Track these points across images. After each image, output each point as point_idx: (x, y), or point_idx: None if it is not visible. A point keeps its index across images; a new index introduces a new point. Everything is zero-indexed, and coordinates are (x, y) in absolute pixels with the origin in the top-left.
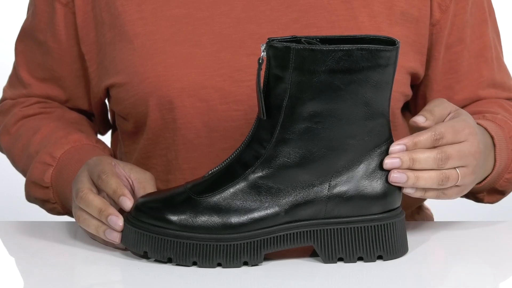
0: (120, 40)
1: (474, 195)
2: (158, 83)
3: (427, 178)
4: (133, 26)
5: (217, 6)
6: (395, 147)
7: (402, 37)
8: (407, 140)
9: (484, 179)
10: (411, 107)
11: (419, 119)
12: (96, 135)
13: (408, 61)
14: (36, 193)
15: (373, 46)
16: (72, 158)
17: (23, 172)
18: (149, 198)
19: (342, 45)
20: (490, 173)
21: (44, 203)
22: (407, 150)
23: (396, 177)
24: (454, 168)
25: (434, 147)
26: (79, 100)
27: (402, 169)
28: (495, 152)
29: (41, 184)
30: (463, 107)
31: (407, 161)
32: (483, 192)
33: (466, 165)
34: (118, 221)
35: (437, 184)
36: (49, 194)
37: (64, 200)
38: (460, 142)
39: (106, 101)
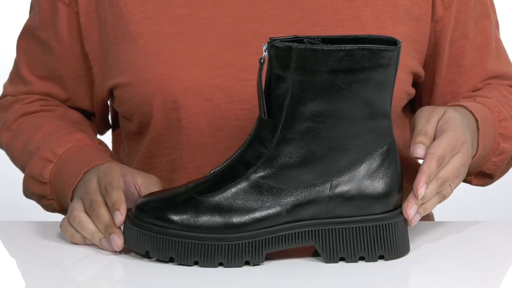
0: (123, 40)
1: None
2: (162, 83)
3: (431, 205)
4: (136, 26)
5: (220, 5)
6: (421, 189)
7: (406, 36)
8: (425, 178)
9: None
10: (416, 105)
11: (420, 152)
12: (96, 136)
13: (410, 60)
14: (34, 188)
15: (374, 46)
16: (74, 157)
17: (22, 168)
18: (150, 198)
19: (343, 45)
20: (474, 157)
21: (40, 199)
22: (426, 184)
23: (415, 220)
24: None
25: None
26: (80, 99)
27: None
28: (478, 135)
29: (40, 179)
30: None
31: (419, 205)
32: (471, 176)
33: (459, 176)
34: (117, 240)
35: (438, 203)
36: (47, 190)
37: (61, 198)
38: (454, 156)
39: (109, 102)
